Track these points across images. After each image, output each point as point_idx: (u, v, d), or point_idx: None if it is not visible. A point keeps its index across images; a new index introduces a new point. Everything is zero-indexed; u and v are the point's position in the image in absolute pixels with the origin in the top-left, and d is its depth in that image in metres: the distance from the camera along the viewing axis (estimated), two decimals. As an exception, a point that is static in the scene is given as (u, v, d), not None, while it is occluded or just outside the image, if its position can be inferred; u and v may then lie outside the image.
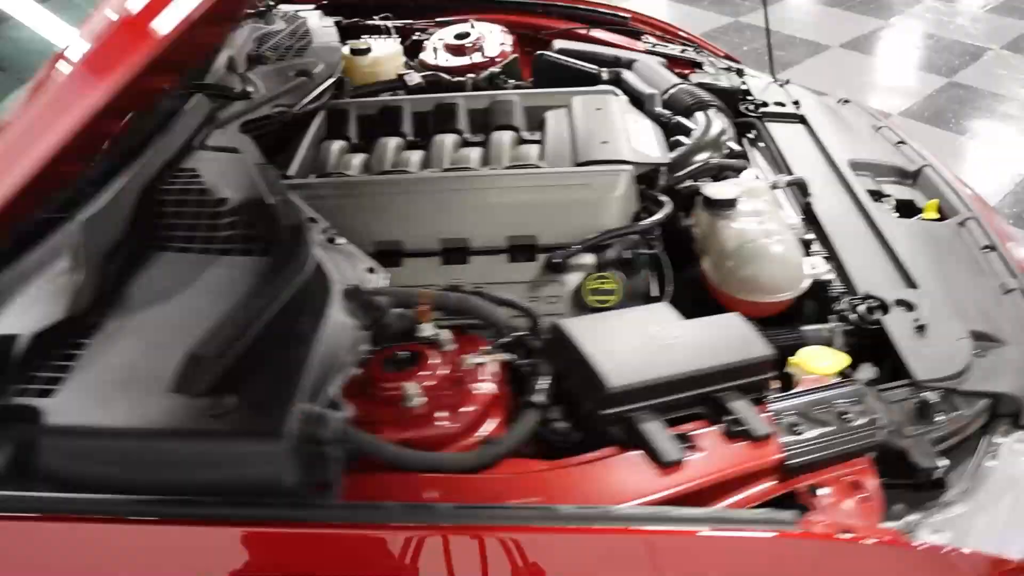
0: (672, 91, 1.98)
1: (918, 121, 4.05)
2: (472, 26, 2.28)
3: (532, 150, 1.70)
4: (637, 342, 1.21)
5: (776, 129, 2.02)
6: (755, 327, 1.28)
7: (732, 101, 2.10)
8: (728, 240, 1.51)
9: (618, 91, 1.88)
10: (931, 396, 1.27)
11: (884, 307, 1.45)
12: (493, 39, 2.25)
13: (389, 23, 2.32)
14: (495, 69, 2.09)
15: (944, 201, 1.79)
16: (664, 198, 1.60)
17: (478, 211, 1.52)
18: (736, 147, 1.82)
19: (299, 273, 1.25)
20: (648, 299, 1.53)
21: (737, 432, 1.14)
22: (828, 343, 1.45)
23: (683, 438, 1.11)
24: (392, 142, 1.75)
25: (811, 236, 1.67)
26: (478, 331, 1.31)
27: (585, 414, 1.16)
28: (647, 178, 1.66)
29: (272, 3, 2.25)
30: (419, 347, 1.22)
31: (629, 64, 2.13)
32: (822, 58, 4.75)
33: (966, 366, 1.34)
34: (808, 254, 1.60)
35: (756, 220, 1.53)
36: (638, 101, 1.97)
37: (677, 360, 1.18)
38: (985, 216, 1.73)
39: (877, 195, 1.81)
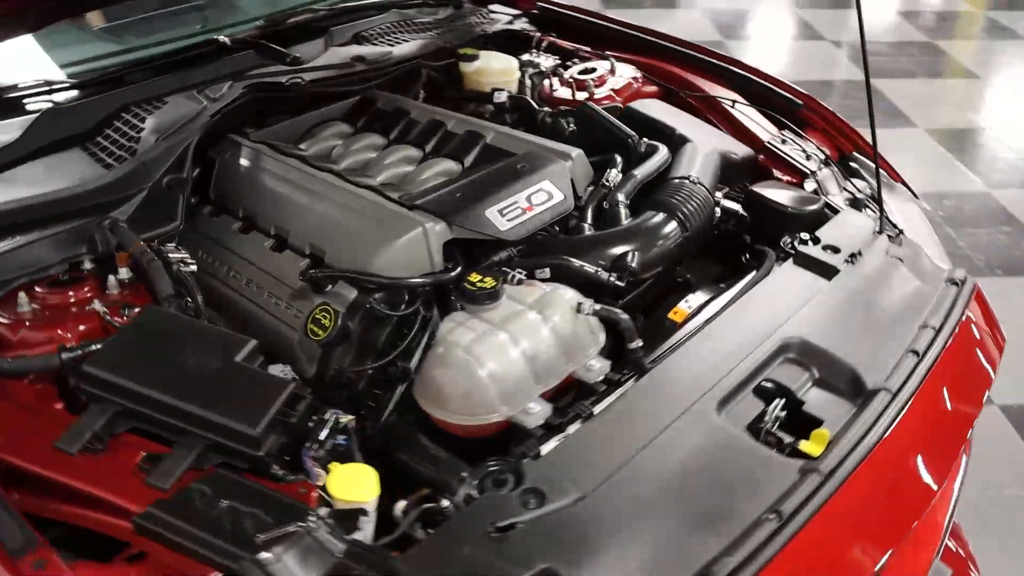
0: (673, 181, 1.70)
1: None
2: (611, 67, 2.16)
3: (438, 181, 1.67)
4: (174, 352, 1.21)
5: (781, 273, 1.57)
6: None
7: (777, 225, 1.68)
8: (439, 332, 1.33)
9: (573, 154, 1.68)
10: None
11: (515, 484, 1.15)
12: (610, 83, 2.11)
13: (546, 39, 2.32)
14: (564, 107, 1.99)
15: (843, 437, 1.24)
16: (457, 267, 1.46)
17: (300, 211, 1.59)
18: (633, 265, 1.50)
19: (87, 194, 1.54)
20: (384, 358, 1.42)
21: (145, 468, 1.11)
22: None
23: (101, 440, 1.14)
24: (367, 139, 1.86)
25: (602, 386, 1.35)
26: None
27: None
28: (490, 247, 1.52)
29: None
30: (87, 277, 1.43)
31: (681, 143, 1.83)
32: None
33: None
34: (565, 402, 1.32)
35: (491, 330, 1.31)
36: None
37: (175, 384, 1.17)
38: None
39: (778, 392, 1.34)
